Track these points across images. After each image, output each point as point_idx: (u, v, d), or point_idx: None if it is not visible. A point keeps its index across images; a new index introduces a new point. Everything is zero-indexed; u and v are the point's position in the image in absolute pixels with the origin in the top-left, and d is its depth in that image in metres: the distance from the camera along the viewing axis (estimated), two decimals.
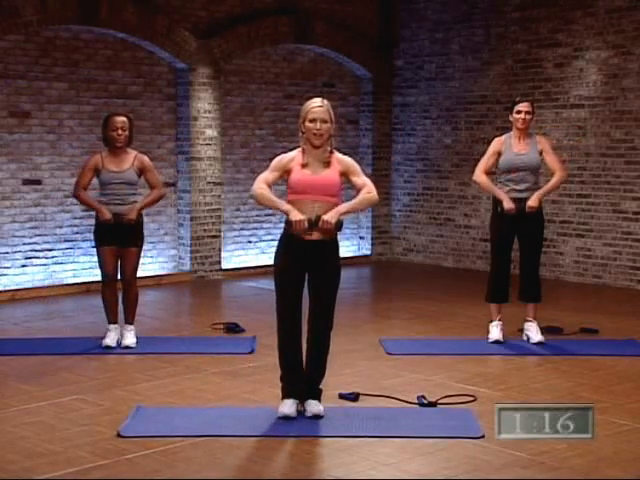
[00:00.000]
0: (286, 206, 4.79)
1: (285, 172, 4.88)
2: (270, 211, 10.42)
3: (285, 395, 4.92)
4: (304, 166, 4.83)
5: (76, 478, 4.11)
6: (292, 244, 4.82)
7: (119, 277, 6.55)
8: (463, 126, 10.57)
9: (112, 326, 6.54)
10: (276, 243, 4.98)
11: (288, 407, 4.86)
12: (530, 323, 6.73)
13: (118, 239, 6.44)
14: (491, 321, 6.73)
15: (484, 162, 6.80)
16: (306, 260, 4.82)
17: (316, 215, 4.75)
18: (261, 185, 4.86)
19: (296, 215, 4.73)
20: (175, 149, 9.67)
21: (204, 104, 9.61)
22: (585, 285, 9.45)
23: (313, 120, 4.79)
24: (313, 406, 4.88)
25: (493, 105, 10.25)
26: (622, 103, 9.27)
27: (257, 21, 9.95)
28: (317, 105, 4.82)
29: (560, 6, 9.65)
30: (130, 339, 6.52)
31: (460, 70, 10.56)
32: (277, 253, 4.94)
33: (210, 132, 9.69)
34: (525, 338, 6.72)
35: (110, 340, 6.48)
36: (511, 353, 6.44)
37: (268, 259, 10.31)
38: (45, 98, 8.76)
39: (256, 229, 10.31)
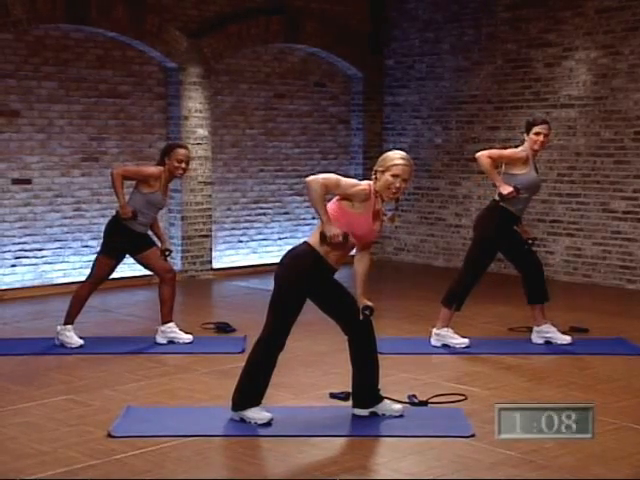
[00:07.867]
0: (327, 216, 4.51)
1: (348, 200, 4.62)
2: (261, 210, 10.43)
3: (255, 404, 4.78)
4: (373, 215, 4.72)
5: (66, 478, 4.10)
6: (319, 271, 4.73)
7: (160, 276, 6.61)
8: (454, 126, 10.58)
9: (71, 327, 6.52)
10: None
11: (265, 412, 4.78)
12: (549, 325, 6.66)
13: (132, 251, 6.53)
14: (448, 327, 6.57)
15: (498, 153, 6.41)
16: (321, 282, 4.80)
17: (370, 308, 4.83)
18: (321, 184, 4.44)
19: (332, 230, 4.50)
20: None
21: (195, 103, 9.59)
22: (575, 284, 9.47)
23: (396, 175, 4.60)
24: (394, 405, 4.96)
25: (483, 105, 10.26)
26: (611, 103, 9.29)
27: (248, 20, 9.95)
28: (403, 163, 4.61)
29: (550, 6, 9.67)
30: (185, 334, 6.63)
31: (450, 70, 10.57)
32: (300, 273, 4.65)
33: (201, 131, 9.68)
34: (549, 342, 6.62)
35: (77, 339, 6.45)
36: (501, 352, 6.45)
37: (259, 259, 10.33)
38: (35, 97, 8.73)
39: (247, 229, 10.29)
